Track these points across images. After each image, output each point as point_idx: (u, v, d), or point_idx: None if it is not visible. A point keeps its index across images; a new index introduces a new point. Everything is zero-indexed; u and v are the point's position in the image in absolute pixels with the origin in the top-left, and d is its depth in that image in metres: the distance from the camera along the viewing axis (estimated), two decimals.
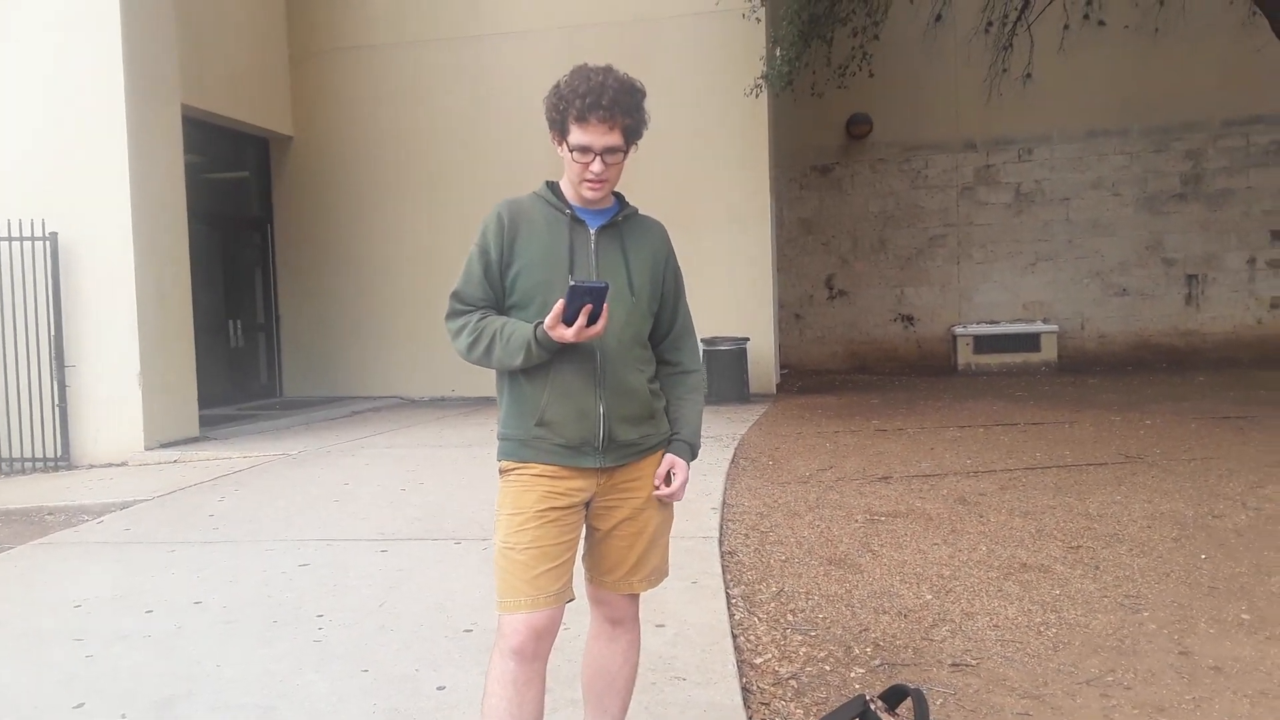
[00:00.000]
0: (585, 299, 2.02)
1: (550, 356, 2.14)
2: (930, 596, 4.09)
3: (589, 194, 2.20)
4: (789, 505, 5.65)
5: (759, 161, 11.20)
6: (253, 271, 12.42)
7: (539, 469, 2.19)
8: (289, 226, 12.49)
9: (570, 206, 2.25)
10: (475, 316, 2.24)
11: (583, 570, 2.34)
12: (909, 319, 13.98)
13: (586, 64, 2.17)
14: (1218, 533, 4.77)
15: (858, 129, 13.81)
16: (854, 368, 14.03)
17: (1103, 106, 13.30)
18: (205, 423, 9.03)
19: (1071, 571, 4.31)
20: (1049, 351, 13.25)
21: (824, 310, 14.18)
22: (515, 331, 2.14)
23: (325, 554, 4.70)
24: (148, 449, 8.04)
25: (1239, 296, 13.17)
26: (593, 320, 2.05)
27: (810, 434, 8.16)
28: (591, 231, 2.23)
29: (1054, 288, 13.61)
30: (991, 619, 3.81)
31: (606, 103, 2.09)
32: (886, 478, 6.29)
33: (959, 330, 13.50)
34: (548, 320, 2.06)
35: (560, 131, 2.17)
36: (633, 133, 2.17)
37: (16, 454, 7.98)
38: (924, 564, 4.51)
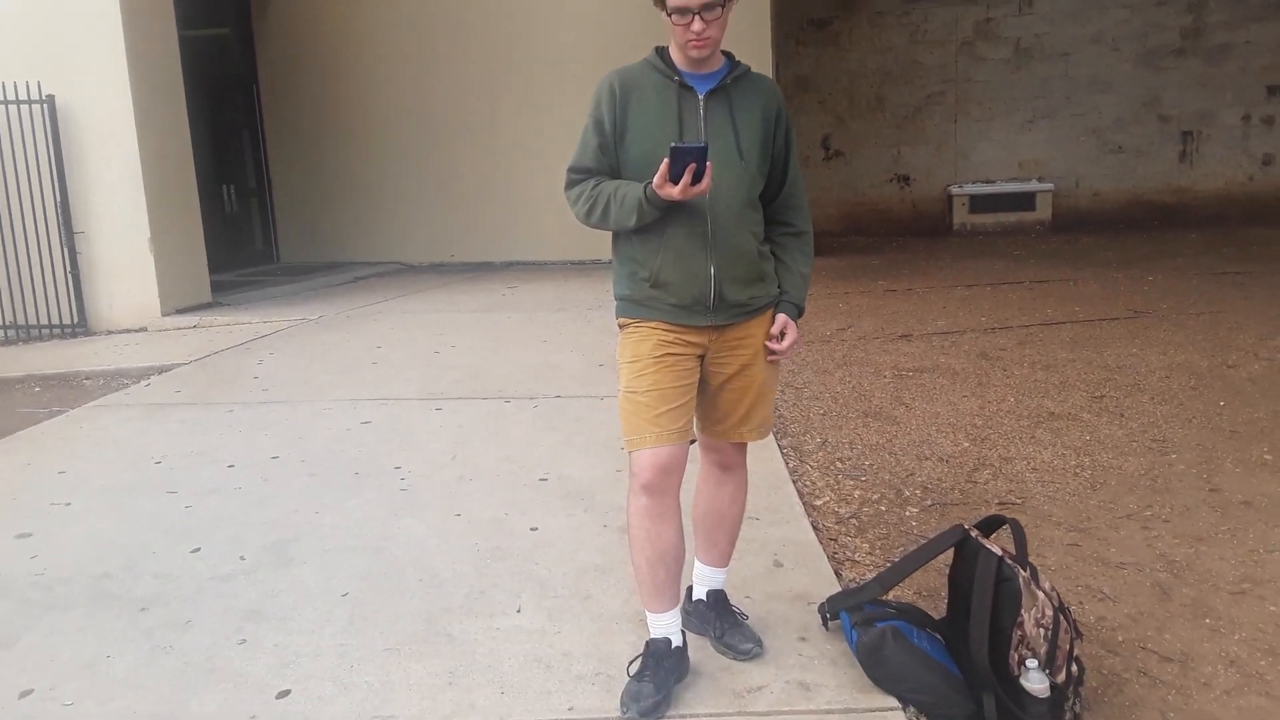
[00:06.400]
0: (687, 158, 2.09)
1: (661, 214, 2.23)
2: (968, 444, 4.33)
3: (695, 54, 2.23)
4: (817, 363, 5.85)
5: (760, 15, 10.89)
6: (240, 134, 12.12)
7: (654, 324, 2.32)
8: (274, 85, 12.11)
9: (678, 73, 2.28)
10: (590, 183, 2.32)
11: (695, 420, 2.49)
12: (905, 179, 13.98)
13: None
14: (1233, 381, 5.03)
15: None
16: (850, 229, 14.09)
17: None
18: (211, 289, 9.01)
19: (1098, 419, 4.57)
20: (1043, 210, 13.36)
21: (820, 171, 14.11)
22: (629, 193, 2.23)
23: (382, 411, 4.85)
24: (164, 314, 8.06)
25: (1232, 153, 13.25)
26: (697, 178, 2.12)
27: (820, 295, 8.30)
28: (700, 97, 2.27)
29: (1050, 145, 13.60)
30: (1029, 463, 4.06)
31: None
32: (906, 335, 6.49)
33: (955, 190, 13.55)
34: (655, 179, 2.14)
35: None
36: None
37: (33, 320, 7.98)
38: (956, 415, 4.75)
